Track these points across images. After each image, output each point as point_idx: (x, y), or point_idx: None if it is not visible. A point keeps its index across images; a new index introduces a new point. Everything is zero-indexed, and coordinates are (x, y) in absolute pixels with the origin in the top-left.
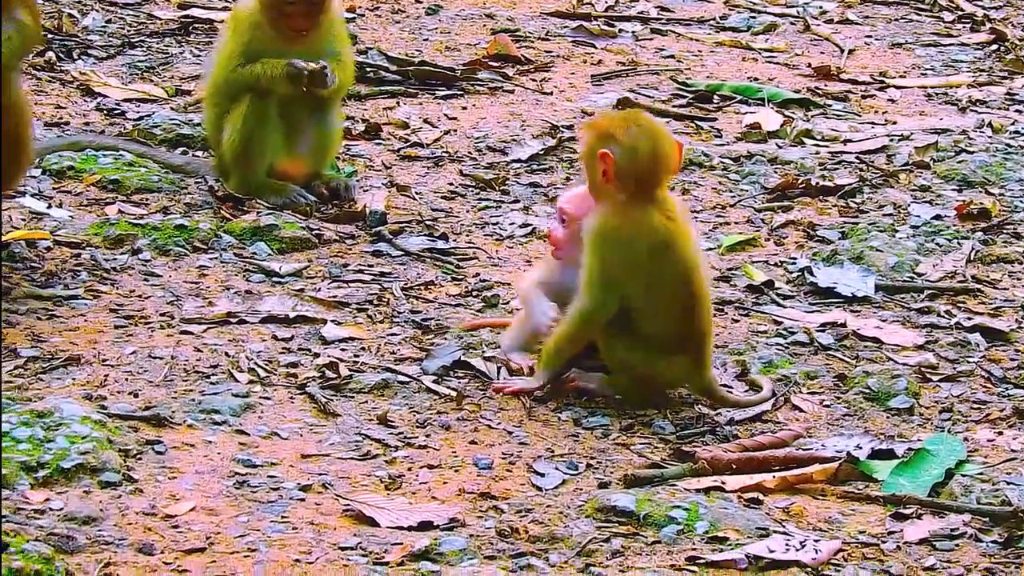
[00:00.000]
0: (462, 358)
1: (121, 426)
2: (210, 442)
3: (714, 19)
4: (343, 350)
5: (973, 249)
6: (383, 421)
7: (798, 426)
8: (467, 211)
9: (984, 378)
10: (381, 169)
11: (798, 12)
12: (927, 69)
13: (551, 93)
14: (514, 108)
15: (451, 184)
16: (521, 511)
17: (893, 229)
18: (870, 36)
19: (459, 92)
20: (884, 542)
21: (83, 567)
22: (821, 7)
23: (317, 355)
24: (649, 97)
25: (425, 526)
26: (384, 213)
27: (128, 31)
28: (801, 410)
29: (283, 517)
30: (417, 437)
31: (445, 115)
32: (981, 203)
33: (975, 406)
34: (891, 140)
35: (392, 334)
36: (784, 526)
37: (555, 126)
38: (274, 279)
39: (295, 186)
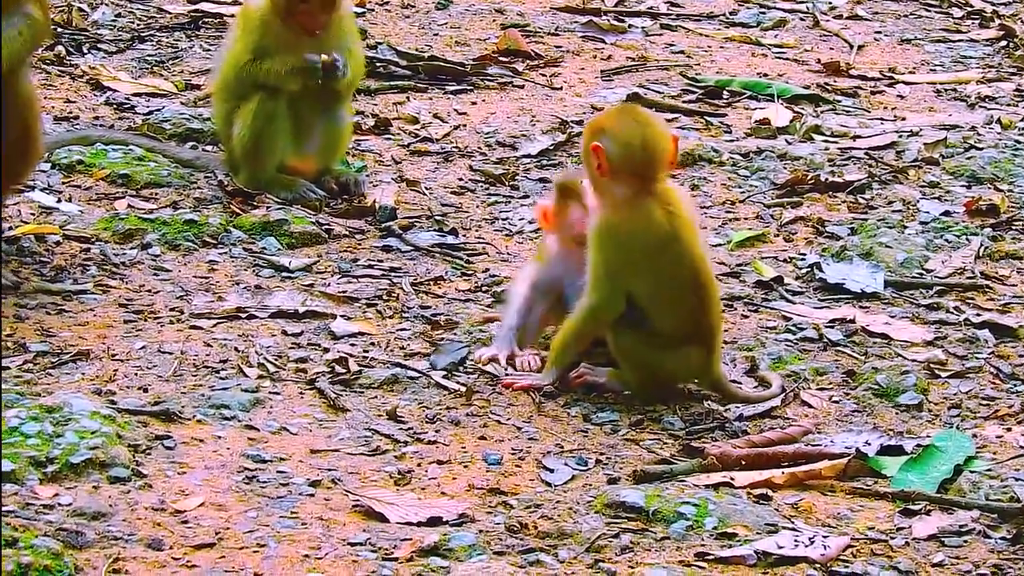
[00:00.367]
0: (471, 354)
1: (130, 421)
2: (219, 437)
3: (724, 15)
4: (352, 345)
5: (982, 245)
6: (392, 416)
7: (807, 422)
8: (476, 206)
9: (993, 374)
10: (391, 164)
11: (807, 8)
12: (936, 65)
13: (561, 88)
14: (524, 103)
15: (461, 179)
16: (530, 507)
17: (902, 225)
18: (879, 32)
19: (469, 87)
20: (893, 538)
21: (92, 562)
22: (830, 3)
23: (327, 350)
24: (659, 93)
25: (434, 522)
26: (394, 208)
27: (138, 25)
28: (810, 406)
29: (292, 512)
30: (426, 432)
31: (455, 110)
32: (990, 199)
33: (984, 402)
34: (900, 136)
35: (402, 329)
36: (793, 522)
37: (564, 121)
38: (284, 274)
39: (305, 181)
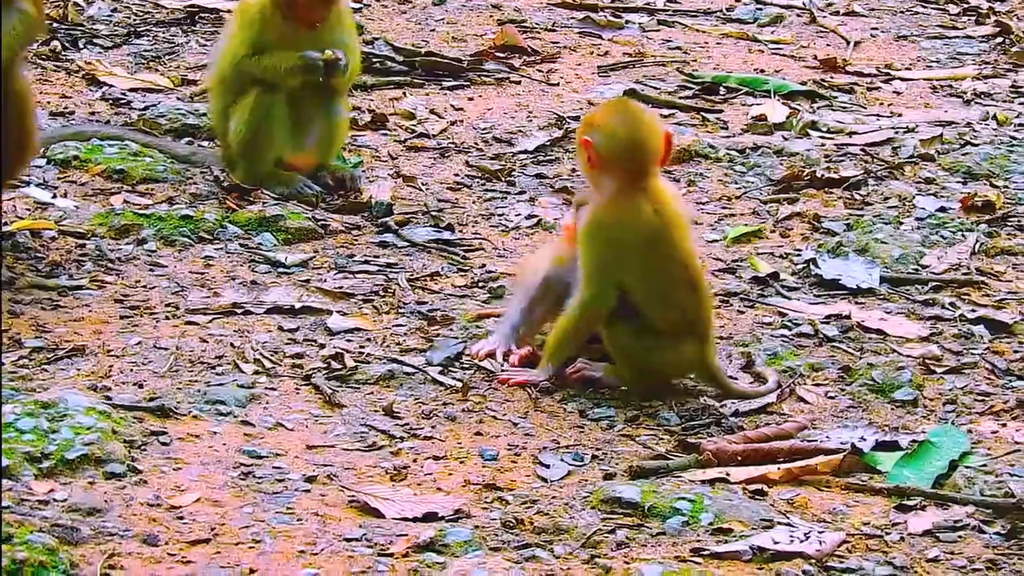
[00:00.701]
0: (466, 350)
1: (126, 417)
2: (215, 433)
3: (720, 11)
4: (349, 341)
5: (977, 241)
6: (388, 412)
7: (803, 418)
8: (473, 202)
9: (988, 370)
10: (387, 160)
11: (804, 4)
12: (932, 61)
13: (557, 84)
14: (520, 99)
15: (457, 175)
16: (526, 502)
17: (898, 221)
18: (876, 28)
19: (465, 83)
20: (888, 534)
21: (87, 558)
22: None
23: (323, 346)
24: (655, 88)
25: (430, 517)
26: (390, 204)
27: (134, 20)
28: (806, 402)
29: (288, 508)
30: (422, 428)
31: (451, 106)
32: (986, 195)
33: (979, 398)
34: (896, 132)
35: (398, 325)
36: (788, 517)
37: (561, 117)
38: (280, 270)
39: (301, 177)
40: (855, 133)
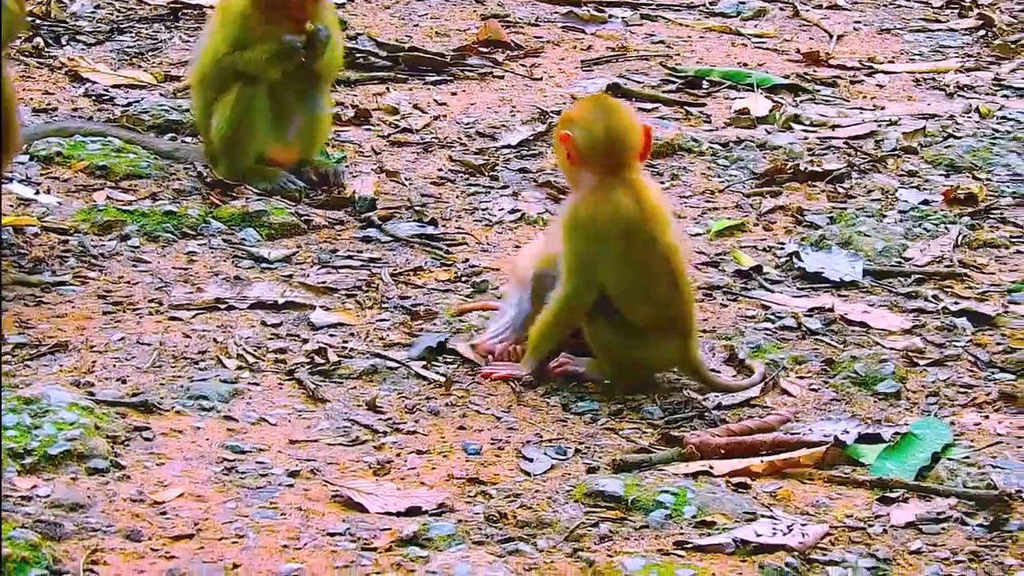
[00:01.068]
0: (449, 344)
1: (109, 412)
2: (198, 428)
3: (704, 4)
4: (332, 336)
5: (960, 234)
6: (372, 407)
7: (786, 411)
8: (456, 197)
9: (971, 362)
10: (370, 155)
11: None
12: (915, 54)
13: (541, 79)
14: (504, 94)
15: (440, 170)
16: (510, 496)
17: (881, 214)
18: (859, 22)
19: (449, 78)
20: (871, 526)
21: (70, 554)
22: None
23: (306, 341)
24: (639, 83)
25: (414, 511)
26: (373, 199)
27: (117, 17)
28: (789, 394)
29: (271, 503)
30: (406, 423)
31: (435, 101)
32: (968, 188)
33: (961, 390)
34: (879, 125)
35: (381, 320)
36: (771, 510)
37: (545, 112)
38: (263, 265)
39: (284, 172)
40: (838, 126)
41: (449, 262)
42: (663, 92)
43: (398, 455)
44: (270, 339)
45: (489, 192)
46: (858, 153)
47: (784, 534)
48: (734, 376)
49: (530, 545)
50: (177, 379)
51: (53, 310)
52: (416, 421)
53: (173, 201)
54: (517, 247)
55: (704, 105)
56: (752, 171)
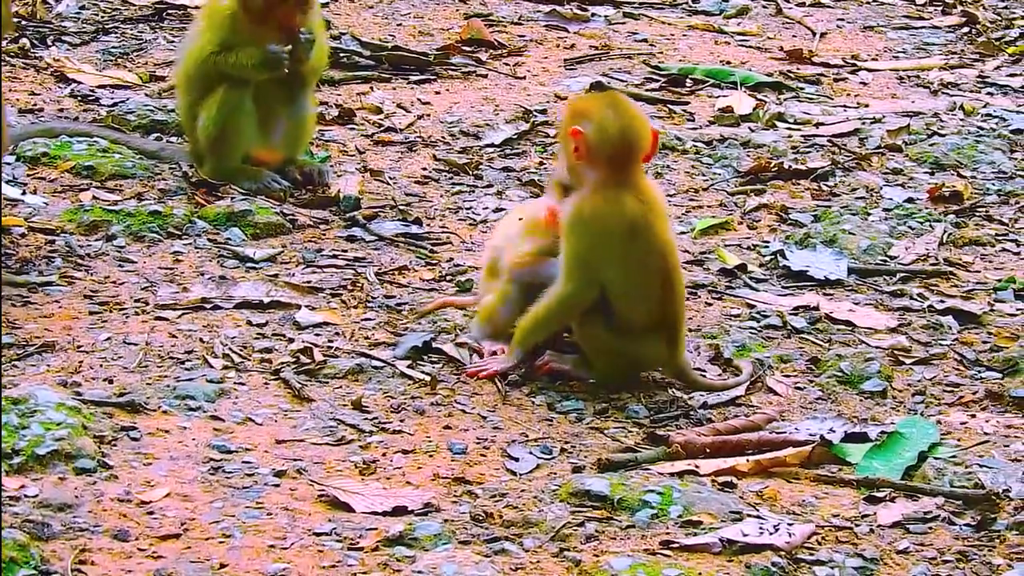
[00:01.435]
0: (433, 344)
1: (96, 412)
2: (185, 428)
3: (686, 2)
4: (317, 335)
5: (945, 232)
6: (357, 406)
7: (771, 410)
8: (440, 196)
9: (957, 361)
10: (355, 154)
11: None
12: (899, 52)
13: (524, 78)
14: (487, 93)
15: (424, 169)
16: (495, 496)
17: (865, 212)
18: (842, 19)
19: (432, 77)
20: (857, 525)
21: (58, 553)
22: None
23: (291, 340)
24: (622, 81)
25: (399, 511)
26: (358, 198)
27: (102, 17)
28: (775, 393)
29: (258, 503)
30: (391, 422)
31: (419, 100)
32: (953, 186)
33: (948, 389)
34: (863, 123)
35: (366, 319)
36: (758, 510)
37: (528, 110)
38: (248, 264)
39: (269, 172)
40: (822, 124)
41: (434, 261)
42: (646, 90)
43: (384, 455)
44: (256, 339)
45: (473, 191)
46: (842, 151)
47: (771, 534)
48: (719, 375)
49: (516, 545)
50: (163, 379)
51: (40, 310)
52: (402, 420)
53: (159, 201)
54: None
55: (687, 103)
56: (736, 169)
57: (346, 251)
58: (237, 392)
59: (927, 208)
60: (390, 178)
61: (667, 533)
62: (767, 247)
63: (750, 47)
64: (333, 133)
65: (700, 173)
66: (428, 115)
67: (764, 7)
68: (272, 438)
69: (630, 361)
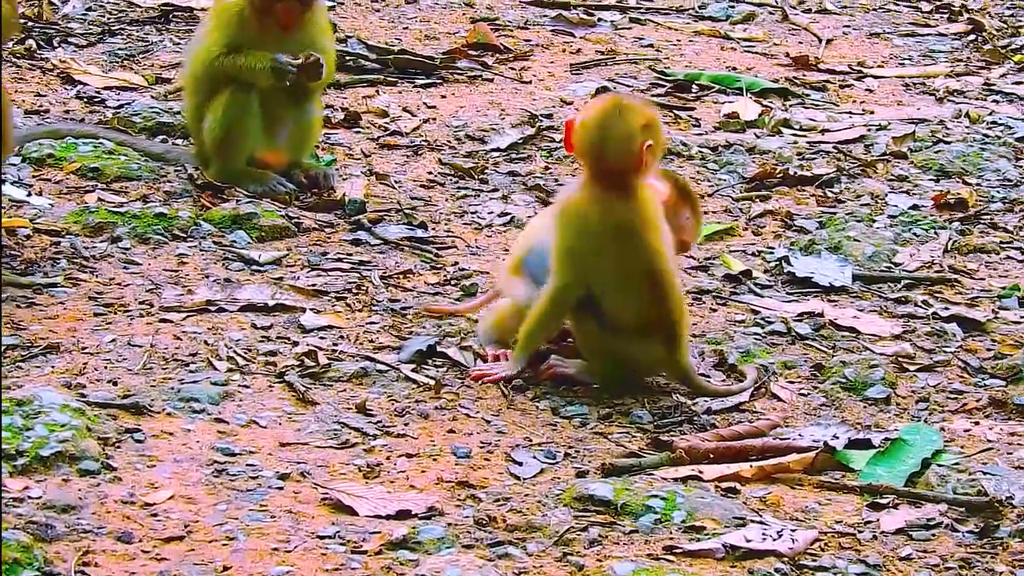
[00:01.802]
0: (438, 347)
1: (100, 414)
2: (189, 430)
3: (693, 8)
4: (322, 338)
5: (950, 239)
6: (361, 410)
7: (775, 416)
8: (446, 200)
9: (961, 368)
10: (360, 158)
11: (776, 2)
12: (905, 59)
13: (530, 82)
14: (493, 97)
15: (430, 173)
16: (499, 500)
17: (870, 219)
18: (848, 26)
19: (438, 81)
20: (860, 532)
21: (61, 555)
22: None
23: (296, 343)
24: (628, 86)
25: (403, 515)
26: (363, 202)
27: (108, 19)
28: (779, 399)
29: (261, 505)
30: (395, 426)
31: (424, 104)
32: (958, 193)
33: (952, 396)
34: (869, 130)
35: (371, 323)
36: (761, 515)
37: (534, 115)
38: (253, 267)
39: (275, 175)
40: (827, 131)
41: (439, 265)
42: (652, 96)
43: (388, 458)
44: (260, 341)
45: (479, 195)
46: (847, 158)
47: (774, 540)
48: (723, 380)
49: (519, 549)
50: (168, 381)
51: (45, 312)
52: (406, 424)
53: (164, 203)
54: (506, 251)
55: (693, 109)
56: (741, 175)
57: (351, 254)
58: (241, 395)
59: (932, 215)
60: (395, 182)
61: (670, 538)
62: (772, 253)
63: (756, 53)
64: (339, 136)
65: (705, 179)
66: (434, 119)
67: (770, 13)
68: (276, 441)
69: (625, 361)
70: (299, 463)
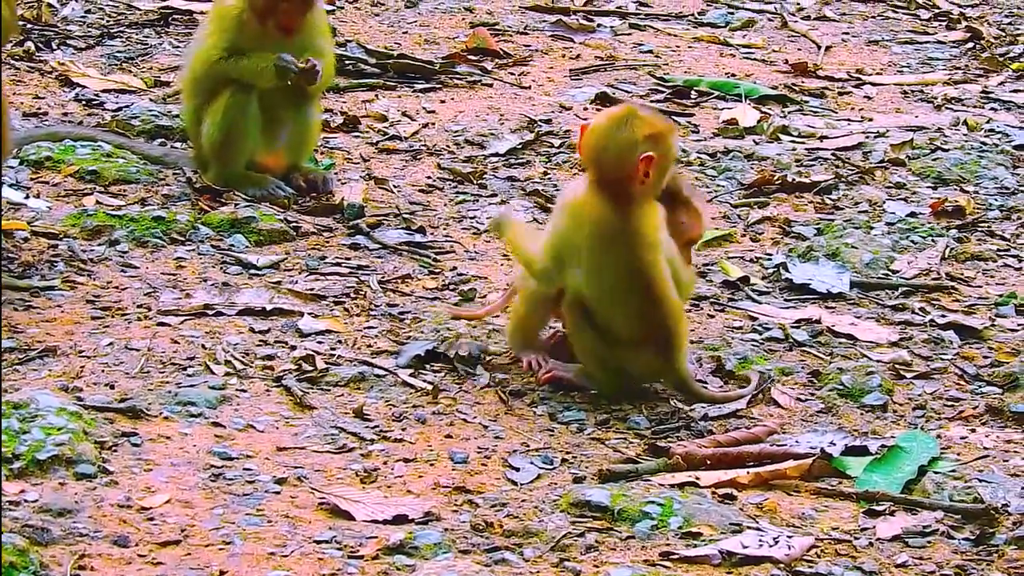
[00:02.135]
0: (436, 351)
1: (97, 418)
2: (186, 434)
3: (692, 15)
4: (320, 343)
5: (947, 246)
6: (359, 414)
7: (772, 422)
8: (444, 205)
9: (957, 375)
10: (359, 162)
11: (776, 8)
12: (903, 66)
13: (529, 87)
14: (492, 102)
15: (429, 177)
16: (496, 505)
17: (868, 226)
18: (847, 33)
19: (438, 85)
20: (857, 539)
21: (58, 559)
22: (799, 4)
23: (293, 348)
24: (627, 92)
25: (400, 520)
26: (362, 206)
27: (107, 22)
28: (776, 405)
29: (258, 510)
30: (393, 430)
31: (423, 108)
32: (956, 201)
33: (948, 403)
34: (867, 137)
35: (369, 327)
36: (757, 522)
37: (533, 120)
38: (251, 271)
39: (273, 178)
40: (826, 137)
41: (437, 270)
42: (651, 102)
43: (385, 463)
44: (258, 345)
45: (477, 200)
46: (846, 165)
47: (770, 546)
48: (721, 387)
49: (516, 555)
50: (165, 385)
51: (42, 315)
52: (403, 429)
53: (162, 206)
54: (505, 256)
55: (692, 115)
56: (740, 182)
57: (349, 259)
58: (239, 399)
59: (930, 223)
60: (394, 186)
61: (667, 544)
62: (770, 260)
63: (755, 60)
64: (338, 140)
65: (704, 185)
66: (433, 124)
67: (770, 20)
68: (273, 445)
69: (620, 369)
70: (296, 467)
